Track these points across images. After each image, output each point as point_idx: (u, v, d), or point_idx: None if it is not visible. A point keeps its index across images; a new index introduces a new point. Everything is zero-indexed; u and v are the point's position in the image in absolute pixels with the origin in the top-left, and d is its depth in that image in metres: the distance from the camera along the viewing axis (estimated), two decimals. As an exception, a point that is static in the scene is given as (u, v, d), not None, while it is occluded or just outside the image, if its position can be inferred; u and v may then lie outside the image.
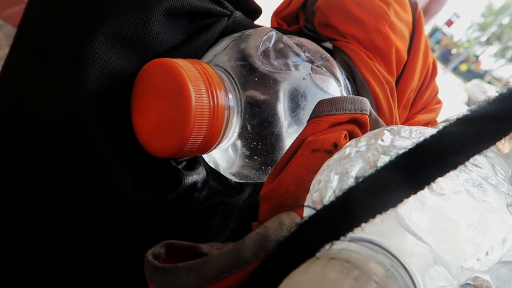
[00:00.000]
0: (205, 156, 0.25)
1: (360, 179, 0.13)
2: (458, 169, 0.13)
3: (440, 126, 0.14)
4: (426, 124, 0.35)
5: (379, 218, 0.13)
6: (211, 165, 0.25)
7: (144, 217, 0.20)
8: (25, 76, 0.20)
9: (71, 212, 0.19)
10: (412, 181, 0.13)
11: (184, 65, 0.19)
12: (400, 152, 0.14)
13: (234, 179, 0.25)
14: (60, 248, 0.20)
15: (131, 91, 0.21)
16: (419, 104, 0.34)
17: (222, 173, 0.25)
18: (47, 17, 0.21)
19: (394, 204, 0.13)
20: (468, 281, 0.14)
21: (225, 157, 0.24)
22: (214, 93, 0.19)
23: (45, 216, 0.19)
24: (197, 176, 0.22)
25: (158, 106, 0.19)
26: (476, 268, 0.14)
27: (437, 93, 0.37)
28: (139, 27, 0.20)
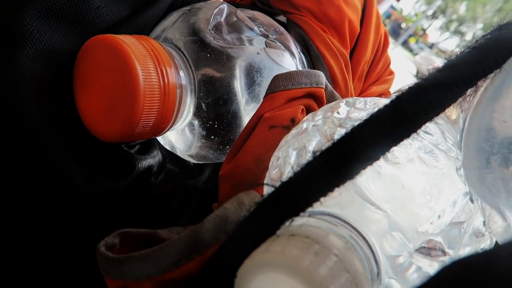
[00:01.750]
0: (159, 139, 0.24)
1: (317, 153, 0.13)
2: (411, 137, 0.13)
3: (393, 96, 0.14)
4: (380, 95, 0.36)
5: (337, 191, 0.13)
6: (167, 147, 0.24)
7: (95, 206, 0.18)
8: None
9: (14, 201, 0.17)
10: (368, 152, 0.13)
11: (129, 42, 0.18)
12: (356, 123, 0.14)
13: (192, 160, 0.25)
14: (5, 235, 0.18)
15: (72, 71, 0.19)
16: (372, 76, 0.35)
17: (179, 155, 0.24)
18: None
19: (351, 177, 0.13)
20: (423, 245, 0.14)
21: (181, 138, 0.23)
22: (164, 71, 0.18)
23: None
24: (152, 160, 0.21)
25: (104, 87, 0.18)
26: (430, 231, 0.15)
27: (389, 64, 0.38)
28: (76, 0, 0.19)
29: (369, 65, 0.34)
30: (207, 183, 0.26)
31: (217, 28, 0.22)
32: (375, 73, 0.35)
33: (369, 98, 0.19)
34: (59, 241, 0.18)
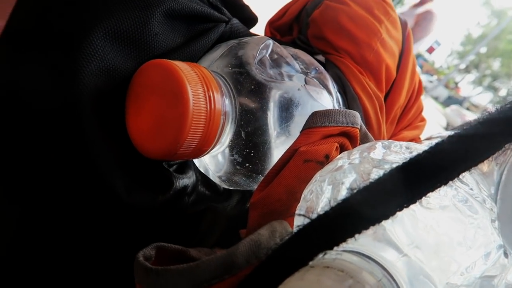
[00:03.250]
0: (195, 161, 0.25)
1: (355, 191, 0.14)
2: (448, 184, 0.14)
3: (433, 143, 0.14)
4: (411, 140, 0.36)
5: (372, 229, 0.13)
6: (201, 170, 0.25)
7: (133, 218, 0.19)
8: (19, 68, 0.20)
9: (59, 206, 0.18)
10: (406, 194, 0.13)
11: (183, 67, 0.19)
12: (393, 166, 0.14)
13: (223, 185, 0.25)
14: (45, 242, 0.19)
15: (127, 90, 0.20)
16: (404, 121, 0.35)
17: (211, 178, 0.25)
18: (44, 9, 0.20)
19: (387, 216, 0.13)
20: (453, 294, 0.14)
21: (216, 162, 0.24)
22: (212, 97, 0.19)
23: (31, 210, 0.19)
24: (187, 180, 0.22)
25: (154, 107, 0.19)
26: (459, 282, 0.15)
27: (421, 111, 0.38)
28: (138, 25, 0.20)
29: (402, 110, 0.34)
30: (234, 209, 0.26)
31: (262, 62, 0.24)
32: (407, 118, 0.35)
33: (404, 142, 0.20)
34: (97, 248, 0.19)
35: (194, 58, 0.24)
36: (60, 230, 0.19)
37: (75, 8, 0.20)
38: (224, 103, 0.20)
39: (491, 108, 0.16)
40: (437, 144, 0.14)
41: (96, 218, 0.19)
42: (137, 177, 0.19)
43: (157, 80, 0.19)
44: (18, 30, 0.21)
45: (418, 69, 0.38)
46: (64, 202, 0.19)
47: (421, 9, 1.84)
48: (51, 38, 0.19)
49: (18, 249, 0.20)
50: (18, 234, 0.20)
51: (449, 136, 0.15)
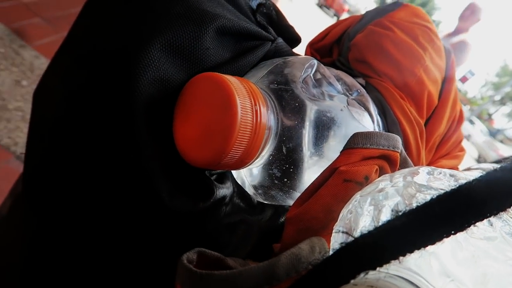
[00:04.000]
0: (234, 172, 0.25)
1: (400, 213, 0.14)
2: (498, 216, 0.13)
3: (485, 168, 0.14)
4: (448, 170, 0.35)
5: (417, 254, 0.13)
6: (238, 181, 0.25)
7: (172, 221, 0.20)
8: (80, 70, 0.21)
9: (106, 207, 0.19)
10: (454, 221, 0.13)
11: (233, 81, 0.20)
12: (439, 192, 0.14)
13: (258, 198, 0.26)
14: (92, 239, 0.20)
15: (177, 99, 0.21)
16: (443, 149, 0.35)
17: (247, 190, 0.26)
18: (106, 23, 0.22)
19: (433, 242, 0.13)
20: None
21: (254, 175, 0.24)
22: (258, 111, 0.20)
23: (80, 208, 0.20)
24: (226, 190, 0.23)
25: (202, 117, 0.20)
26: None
27: (461, 140, 0.38)
28: (192, 40, 0.22)
29: (441, 138, 0.34)
30: (267, 223, 0.26)
31: (306, 81, 0.24)
32: (446, 147, 0.35)
33: (447, 170, 0.20)
34: (137, 248, 0.20)
35: (241, 73, 0.25)
36: (105, 229, 0.20)
37: (135, 20, 0.21)
38: (269, 117, 0.21)
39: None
40: (488, 173, 0.14)
41: (140, 220, 0.20)
42: (181, 183, 0.20)
43: (207, 92, 0.20)
44: (80, 38, 0.23)
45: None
46: (112, 203, 0.20)
47: (455, 39, 1.81)
48: (113, 47, 0.21)
49: (64, 246, 0.21)
50: (66, 233, 0.21)
51: (502, 166, 0.14)
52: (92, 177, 0.20)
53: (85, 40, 0.22)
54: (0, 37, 1.31)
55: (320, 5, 12.81)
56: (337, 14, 13.01)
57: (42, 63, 1.34)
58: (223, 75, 0.20)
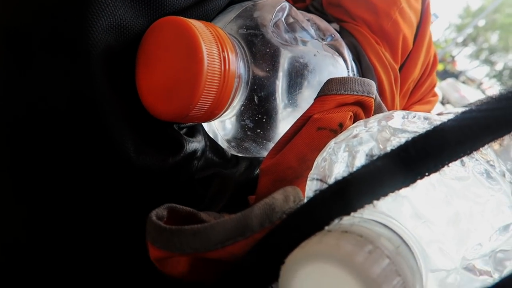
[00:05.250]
0: (205, 125, 0.24)
1: (375, 157, 0.13)
2: (470, 156, 0.13)
3: (458, 111, 0.14)
4: (422, 115, 0.35)
5: (391, 197, 0.13)
6: (210, 134, 0.24)
7: (142, 178, 0.19)
8: (23, 16, 0.19)
9: (67, 164, 0.18)
10: (428, 162, 0.13)
11: (198, 25, 0.18)
12: (414, 135, 0.14)
13: (232, 151, 0.25)
14: (55, 202, 0.19)
15: (138, 48, 0.20)
16: (417, 95, 0.35)
17: (220, 143, 0.25)
18: None
19: (407, 184, 0.13)
20: (469, 264, 0.14)
21: (226, 127, 0.23)
22: (227, 58, 0.18)
23: (40, 167, 0.18)
24: (197, 144, 0.22)
25: (166, 66, 0.18)
26: (475, 255, 0.15)
27: (434, 85, 0.38)
28: None
29: (415, 83, 0.34)
30: (242, 176, 0.26)
31: (277, 25, 0.23)
32: (419, 92, 0.35)
33: (422, 113, 0.19)
34: (106, 209, 0.19)
35: (207, 18, 0.23)
36: (69, 190, 0.19)
37: None
38: (238, 65, 0.20)
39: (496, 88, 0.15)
40: (462, 113, 0.14)
41: (106, 179, 0.19)
42: (147, 139, 0.19)
43: (170, 38, 0.18)
44: None
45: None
46: (74, 162, 0.18)
47: None
48: None
49: (32, 204, 0.19)
50: (30, 192, 0.19)
51: (474, 107, 0.14)
52: (52, 140, 0.18)
53: None
54: None
55: None
56: None
57: None
58: (187, 19, 0.19)
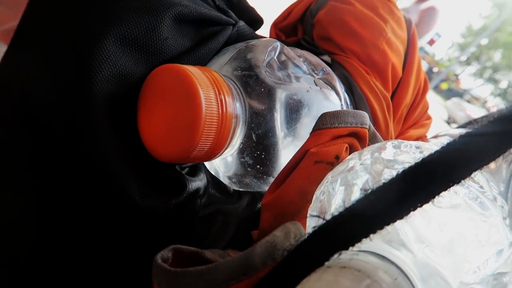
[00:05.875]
0: (206, 163, 0.25)
1: (369, 191, 0.14)
2: (460, 183, 0.14)
3: (443, 142, 0.15)
4: (418, 138, 0.36)
5: (386, 230, 0.13)
6: (212, 172, 0.25)
7: (146, 221, 0.20)
8: (30, 73, 0.20)
9: (73, 210, 0.19)
10: (419, 194, 0.13)
11: (195, 72, 0.19)
12: (405, 166, 0.14)
13: (233, 187, 0.26)
14: (59, 247, 0.19)
15: (138, 94, 0.21)
16: (411, 119, 0.36)
17: (221, 180, 0.25)
18: (55, 13, 0.21)
19: (401, 216, 0.13)
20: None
21: (226, 164, 0.24)
22: (223, 101, 0.19)
23: (45, 213, 0.19)
24: (199, 182, 0.22)
25: (166, 111, 0.19)
26: (472, 280, 0.15)
27: (427, 109, 0.38)
28: (148, 31, 0.21)
29: (408, 109, 0.35)
30: (245, 211, 0.27)
31: (270, 64, 0.24)
32: (413, 117, 0.36)
33: (413, 142, 0.20)
34: (112, 251, 0.19)
35: (203, 61, 0.24)
36: (75, 235, 0.19)
37: (86, 14, 0.20)
38: (235, 106, 0.20)
39: (501, 107, 0.16)
40: (448, 144, 0.15)
41: (111, 222, 0.19)
42: (151, 181, 0.20)
43: (169, 85, 0.19)
44: (30, 34, 0.22)
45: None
46: (79, 206, 0.19)
47: (424, 5, 1.82)
48: (64, 43, 0.19)
49: (33, 250, 0.20)
50: (32, 237, 0.20)
51: (460, 136, 0.15)
52: (57, 184, 0.19)
53: (36, 35, 0.21)
54: None
55: None
56: None
57: (3, 51, 1.25)
58: (184, 66, 0.20)
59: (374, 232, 0.13)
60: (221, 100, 0.19)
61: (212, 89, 0.19)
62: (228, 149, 0.22)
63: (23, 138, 0.20)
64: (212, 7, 0.27)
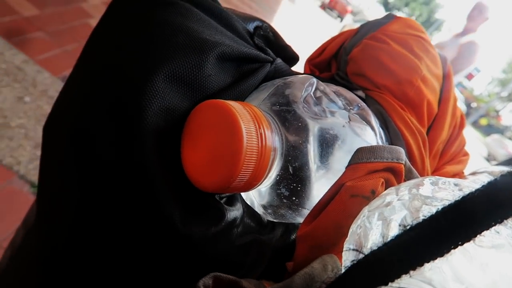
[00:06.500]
0: (243, 193, 0.26)
1: (408, 227, 0.14)
2: (503, 223, 0.14)
3: (484, 180, 0.15)
4: (454, 175, 0.35)
5: (426, 267, 0.13)
6: (247, 202, 0.26)
7: (186, 247, 0.20)
8: (89, 105, 0.22)
9: (119, 235, 0.20)
10: (460, 232, 0.13)
11: (236, 106, 0.20)
12: (444, 203, 0.15)
13: (268, 217, 0.26)
14: (103, 272, 0.20)
15: (183, 127, 0.22)
16: (447, 155, 0.35)
17: (256, 210, 0.26)
18: (111, 52, 0.23)
19: (442, 254, 0.13)
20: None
21: (263, 195, 0.24)
22: (263, 134, 0.20)
23: (92, 236, 0.20)
24: (236, 212, 0.23)
25: (209, 144, 0.21)
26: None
27: (464, 145, 0.38)
28: (194, 68, 0.22)
29: (444, 145, 0.34)
30: (278, 241, 0.27)
31: (307, 100, 0.25)
32: (449, 153, 0.35)
33: (452, 179, 0.20)
34: (154, 275, 0.20)
35: (242, 96, 0.26)
36: (120, 259, 0.20)
37: (139, 52, 0.22)
38: (274, 139, 0.21)
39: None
40: (490, 182, 0.15)
41: (154, 248, 0.20)
42: (192, 209, 0.21)
43: (212, 119, 0.21)
44: (87, 70, 0.24)
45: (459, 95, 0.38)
46: (125, 232, 0.20)
47: (464, 39, 1.81)
48: (119, 79, 0.21)
49: (81, 277, 0.21)
50: (82, 265, 0.21)
51: (502, 174, 0.15)
52: (105, 210, 0.20)
53: (92, 74, 0.23)
54: (1, 52, 1.29)
55: (324, 7, 12.88)
56: (340, 16, 13.06)
57: (45, 78, 1.32)
58: (226, 101, 0.21)
59: (414, 268, 0.13)
60: (261, 134, 0.20)
61: (252, 123, 0.20)
62: (265, 180, 0.23)
63: (74, 168, 0.21)
64: (251, 45, 0.29)
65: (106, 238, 0.21)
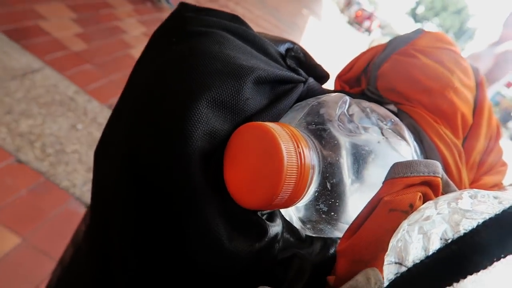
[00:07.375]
0: (282, 210, 0.27)
1: (449, 241, 0.15)
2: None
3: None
4: (493, 186, 0.35)
5: (469, 279, 0.14)
6: (286, 217, 0.27)
7: (232, 263, 0.22)
8: (137, 132, 0.24)
9: (172, 256, 0.21)
10: (503, 244, 0.14)
11: (275, 127, 0.22)
12: (485, 216, 0.15)
13: (307, 232, 0.27)
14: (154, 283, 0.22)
15: (224, 149, 0.24)
16: (484, 166, 0.35)
17: (295, 225, 0.27)
18: (156, 81, 0.25)
19: (484, 267, 0.14)
20: None
21: (302, 211, 0.25)
22: (302, 153, 0.21)
23: (143, 252, 0.22)
24: (278, 227, 0.24)
25: (250, 164, 0.22)
26: None
27: (502, 155, 0.37)
28: (233, 93, 0.24)
29: (481, 155, 0.34)
30: (317, 256, 0.27)
31: (341, 118, 0.26)
32: (487, 163, 0.35)
33: (491, 192, 0.20)
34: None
35: (279, 117, 0.27)
36: (172, 277, 0.22)
37: (182, 82, 0.24)
38: (312, 157, 0.22)
39: None
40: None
41: (203, 265, 0.21)
42: (237, 226, 0.22)
43: (253, 140, 0.22)
44: (134, 99, 0.26)
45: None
46: (178, 250, 0.22)
47: (500, 48, 1.75)
48: (164, 107, 0.23)
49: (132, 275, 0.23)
50: (130, 276, 0.23)
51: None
52: (155, 231, 0.22)
53: (138, 102, 0.25)
54: (55, 84, 1.44)
55: (351, 23, 12.89)
56: (368, 30, 13.02)
57: (94, 106, 1.46)
58: (265, 123, 0.22)
59: (457, 281, 0.14)
60: (299, 153, 0.21)
61: (291, 142, 0.21)
62: (305, 197, 0.24)
63: (128, 191, 0.23)
64: (284, 67, 0.30)
65: (159, 257, 0.22)
